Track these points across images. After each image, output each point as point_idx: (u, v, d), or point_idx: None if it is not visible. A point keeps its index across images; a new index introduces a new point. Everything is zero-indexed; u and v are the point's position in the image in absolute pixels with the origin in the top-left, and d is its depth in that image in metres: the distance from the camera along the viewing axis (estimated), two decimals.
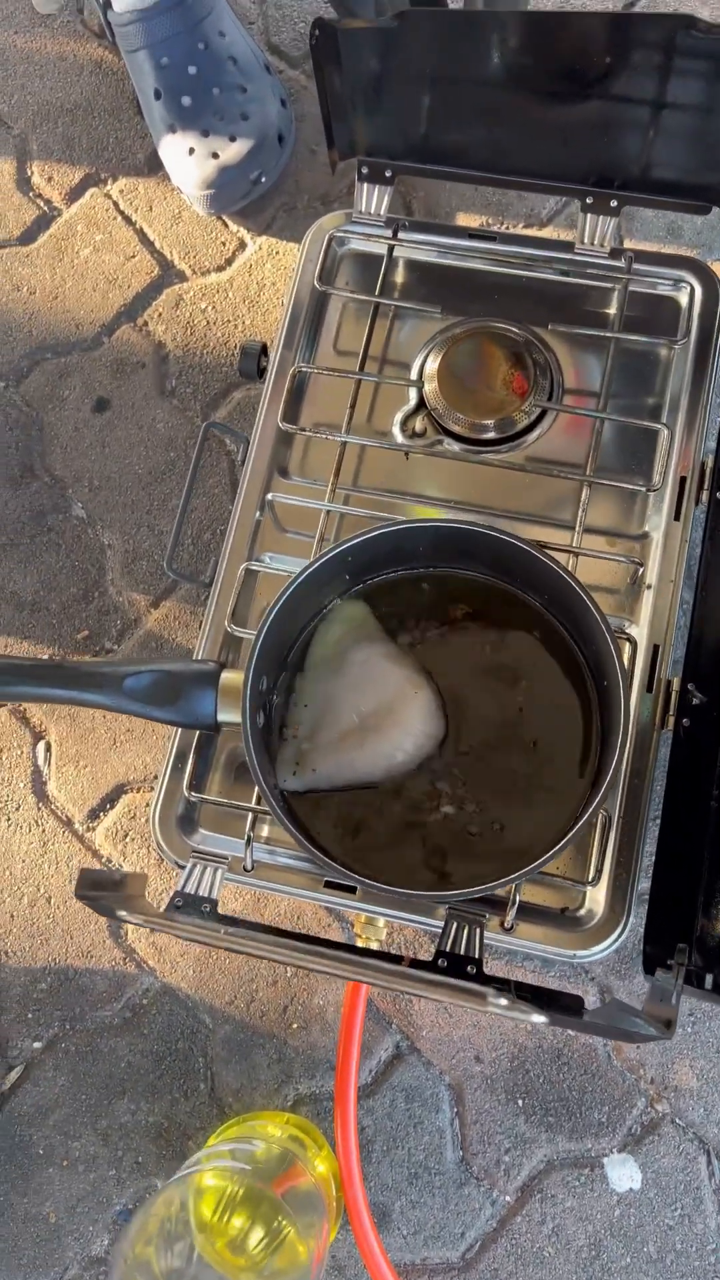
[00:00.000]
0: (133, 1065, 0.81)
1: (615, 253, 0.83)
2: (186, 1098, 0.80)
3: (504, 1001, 0.50)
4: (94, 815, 0.86)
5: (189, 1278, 0.64)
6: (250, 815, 0.72)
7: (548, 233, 0.97)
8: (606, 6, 1.03)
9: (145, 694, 0.64)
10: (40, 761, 0.88)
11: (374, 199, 0.86)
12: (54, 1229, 0.78)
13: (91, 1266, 0.78)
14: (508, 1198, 0.77)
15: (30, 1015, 0.82)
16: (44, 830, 0.86)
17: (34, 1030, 0.82)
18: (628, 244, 0.96)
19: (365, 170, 0.85)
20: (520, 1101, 0.78)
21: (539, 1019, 0.49)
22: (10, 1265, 0.78)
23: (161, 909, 0.67)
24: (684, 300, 0.82)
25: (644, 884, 0.70)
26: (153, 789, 0.86)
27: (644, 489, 0.77)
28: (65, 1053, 0.81)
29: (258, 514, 0.80)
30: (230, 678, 0.65)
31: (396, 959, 0.70)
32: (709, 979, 0.56)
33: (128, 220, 1.02)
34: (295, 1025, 0.81)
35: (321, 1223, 0.72)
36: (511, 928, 0.69)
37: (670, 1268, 0.75)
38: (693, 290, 0.82)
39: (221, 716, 0.65)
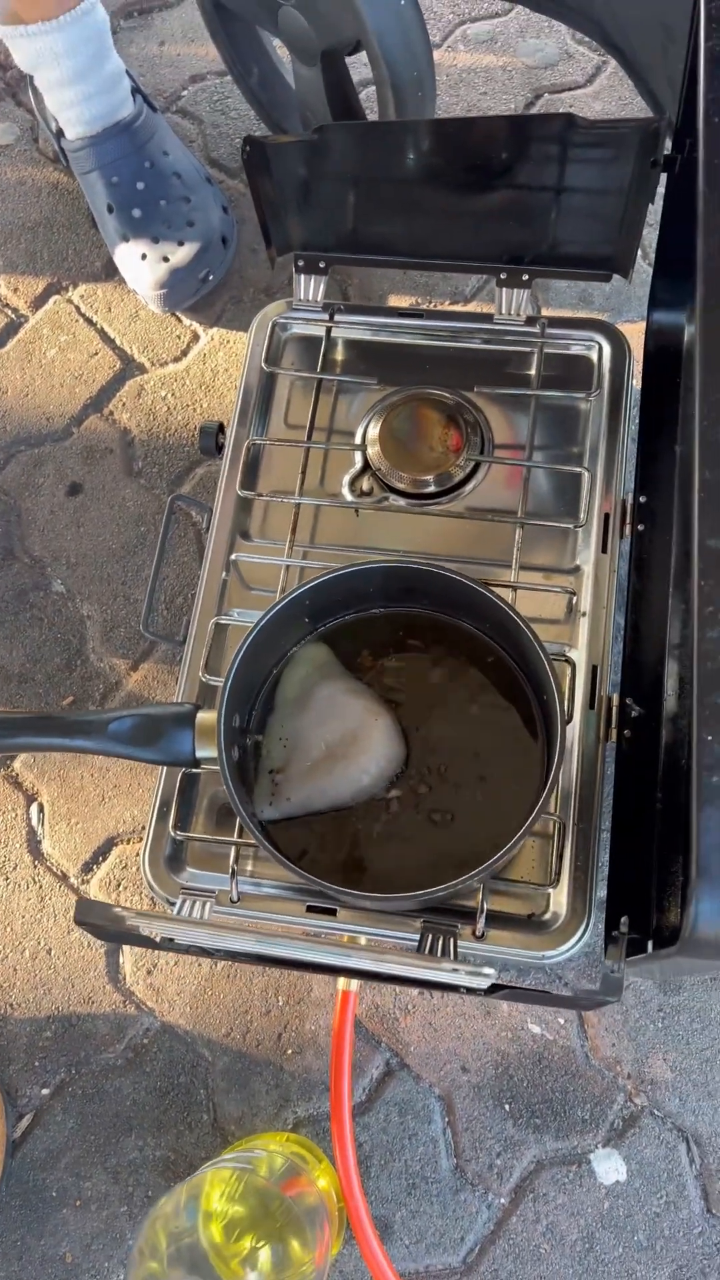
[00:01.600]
0: (138, 1103, 0.85)
1: (531, 320, 0.92)
2: (191, 1130, 0.84)
3: (460, 967, 0.55)
4: (87, 868, 0.92)
5: None
6: (234, 849, 0.77)
7: (472, 307, 1.07)
8: (510, 104, 1.15)
9: (128, 736, 0.70)
10: (34, 822, 0.93)
11: (310, 288, 0.95)
12: (71, 1269, 0.81)
13: None
14: (502, 1200, 0.81)
15: (37, 1063, 0.86)
16: (41, 886, 0.91)
17: (41, 1077, 0.86)
18: (546, 312, 1.06)
19: (301, 263, 0.94)
20: (507, 1106, 0.83)
21: (489, 971, 0.55)
22: None
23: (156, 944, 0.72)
24: (595, 358, 0.91)
25: (604, 892, 0.76)
26: (141, 839, 0.92)
27: (572, 527, 0.85)
28: (73, 1096, 0.85)
29: (224, 574, 0.87)
30: (206, 716, 0.71)
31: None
32: (649, 945, 0.61)
33: (89, 322, 1.11)
34: (290, 1051, 0.85)
35: (324, 1235, 0.76)
36: (483, 935, 0.75)
37: (660, 1253, 0.79)
38: (601, 348, 0.91)
39: (199, 753, 0.71)
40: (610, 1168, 0.81)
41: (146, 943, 0.64)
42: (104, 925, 0.63)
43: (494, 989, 0.56)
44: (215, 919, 0.72)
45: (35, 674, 0.98)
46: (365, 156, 0.87)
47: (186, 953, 0.69)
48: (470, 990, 0.58)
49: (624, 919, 0.64)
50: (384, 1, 0.88)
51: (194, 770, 0.77)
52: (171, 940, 0.63)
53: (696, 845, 0.44)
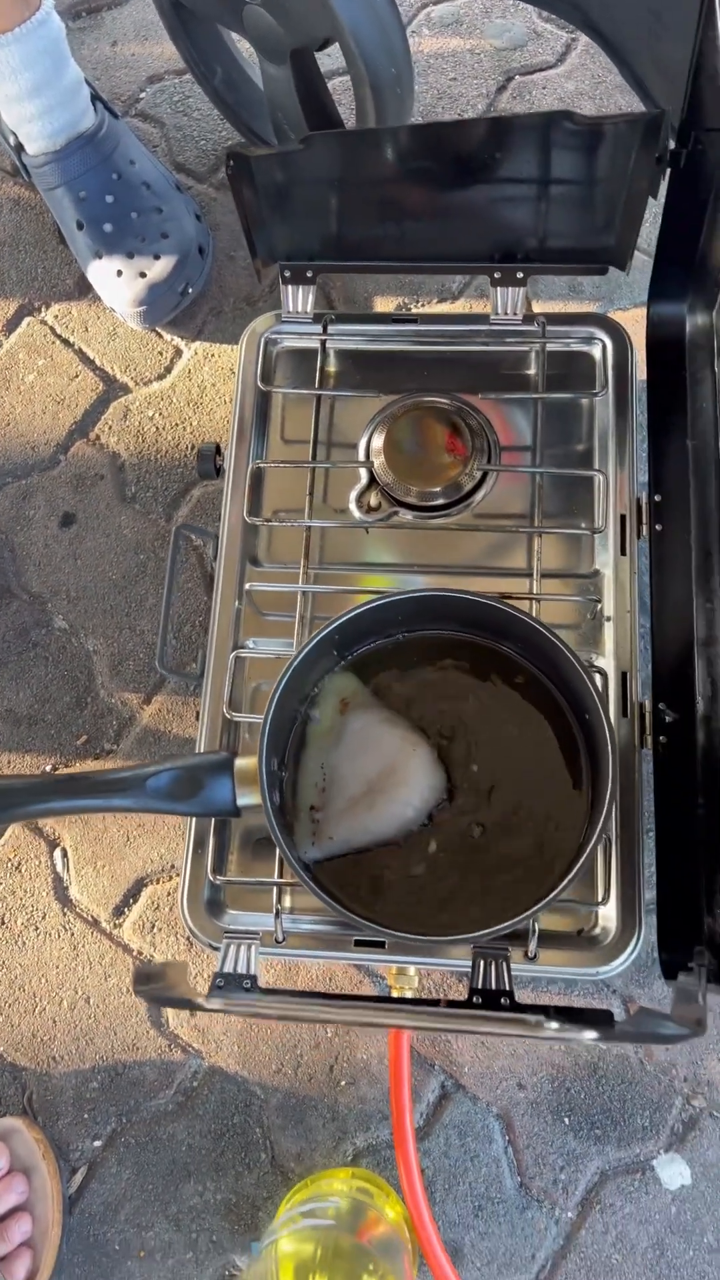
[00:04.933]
0: (193, 1147, 0.84)
1: (528, 318, 0.90)
2: (250, 1170, 0.83)
3: (555, 1025, 0.54)
4: (119, 912, 0.90)
5: None
6: (275, 889, 0.76)
7: (460, 305, 1.05)
8: (481, 88, 1.12)
9: (167, 792, 0.68)
10: (59, 869, 0.91)
11: (299, 298, 0.92)
12: None
13: None
14: (570, 1214, 0.81)
15: (86, 1115, 0.85)
16: (73, 934, 0.89)
17: (92, 1129, 0.85)
18: (535, 306, 1.04)
19: (288, 274, 0.91)
20: (567, 1120, 0.82)
21: (590, 1035, 0.54)
22: None
23: (204, 991, 0.71)
24: (597, 354, 0.89)
25: (649, 895, 0.75)
26: (172, 879, 0.90)
27: (589, 531, 0.84)
28: (126, 1146, 0.84)
29: (237, 604, 0.85)
30: (244, 763, 0.69)
31: (433, 1003, 0.74)
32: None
33: (66, 343, 1.07)
34: (343, 1083, 0.84)
35: (403, 1267, 0.75)
36: (534, 956, 0.74)
37: None
38: (603, 344, 0.89)
39: (241, 801, 0.69)
40: (675, 1172, 0.81)
41: (204, 1008, 0.63)
42: (162, 993, 0.61)
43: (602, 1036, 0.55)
44: (283, 1003, 0.70)
45: (45, 714, 0.95)
46: (353, 162, 0.84)
47: (245, 1016, 0.67)
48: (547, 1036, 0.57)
49: (699, 949, 0.63)
50: None
51: (232, 818, 0.76)
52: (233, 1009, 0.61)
53: None
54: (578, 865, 0.65)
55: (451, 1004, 0.70)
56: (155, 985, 0.64)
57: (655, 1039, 0.59)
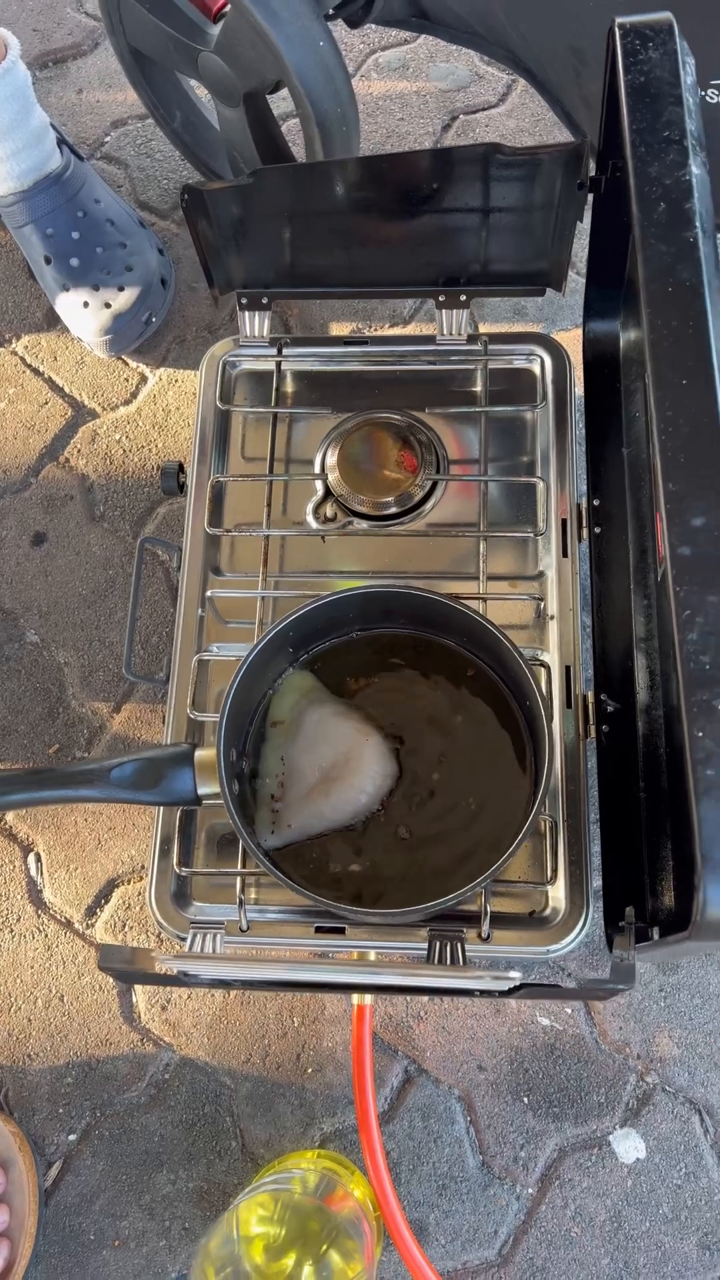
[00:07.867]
0: (165, 1138, 0.86)
1: (472, 338, 0.95)
2: (221, 1158, 0.85)
3: (485, 974, 0.58)
4: (91, 913, 0.93)
5: None
6: (239, 880, 0.79)
7: (412, 329, 1.10)
8: (428, 127, 1.19)
9: (131, 781, 0.71)
10: (33, 872, 0.94)
11: (255, 323, 0.97)
12: None
13: None
14: (530, 1190, 0.84)
15: (61, 1110, 0.87)
16: (46, 935, 0.92)
17: (66, 1124, 0.87)
18: (482, 328, 1.10)
19: (244, 300, 0.97)
20: (526, 1099, 0.85)
21: (515, 975, 0.57)
22: None
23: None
24: (537, 370, 0.95)
25: (597, 883, 0.79)
26: (142, 879, 0.93)
27: (532, 534, 0.89)
28: (100, 1139, 0.86)
29: (200, 611, 0.89)
30: (204, 754, 0.73)
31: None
32: (655, 931, 0.65)
33: (36, 372, 1.12)
34: (310, 1070, 0.87)
35: (365, 1246, 0.78)
36: (488, 936, 0.77)
37: (686, 1223, 0.82)
38: (543, 361, 0.94)
39: (201, 790, 0.73)
40: (630, 1147, 0.84)
41: (167, 980, 0.66)
42: (127, 969, 0.65)
43: (514, 989, 0.59)
44: (243, 952, 0.74)
45: (17, 725, 0.99)
46: (299, 194, 0.89)
47: (209, 986, 0.71)
48: (495, 994, 0.61)
49: (629, 909, 0.67)
50: (303, 42, 0.90)
51: (194, 807, 0.79)
52: (195, 976, 0.65)
53: (699, 836, 0.47)
54: (522, 834, 0.69)
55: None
56: (125, 966, 0.68)
57: (584, 994, 0.63)
